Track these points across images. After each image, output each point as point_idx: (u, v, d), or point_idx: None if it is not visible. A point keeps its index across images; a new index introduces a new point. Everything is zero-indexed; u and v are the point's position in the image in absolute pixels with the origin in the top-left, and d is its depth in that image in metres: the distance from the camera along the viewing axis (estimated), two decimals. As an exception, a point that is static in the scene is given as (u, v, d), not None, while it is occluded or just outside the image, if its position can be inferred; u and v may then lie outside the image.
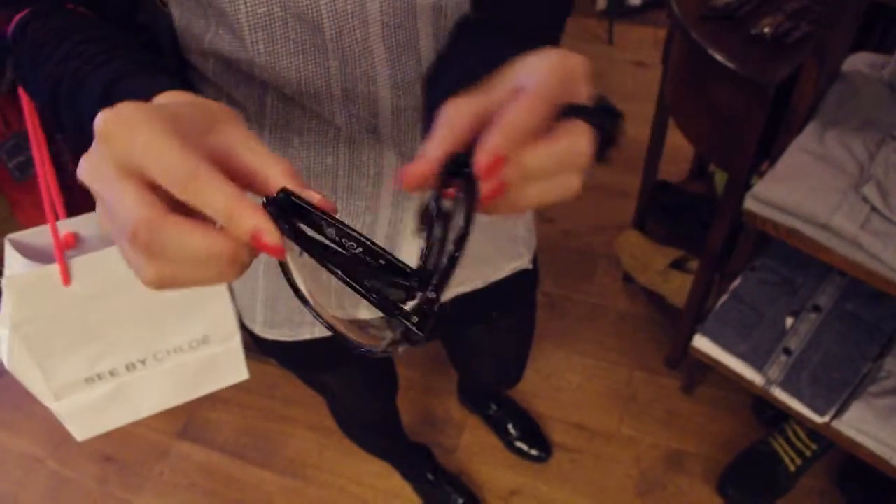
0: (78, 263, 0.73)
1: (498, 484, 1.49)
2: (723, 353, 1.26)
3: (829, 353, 1.21)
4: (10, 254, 0.74)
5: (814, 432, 1.31)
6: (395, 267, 0.29)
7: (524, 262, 0.84)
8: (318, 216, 0.29)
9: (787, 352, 1.23)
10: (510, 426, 1.52)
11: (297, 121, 0.55)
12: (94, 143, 0.28)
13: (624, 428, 1.54)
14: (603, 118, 0.33)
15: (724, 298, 1.31)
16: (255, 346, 0.82)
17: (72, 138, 0.41)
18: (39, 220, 0.75)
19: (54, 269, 0.72)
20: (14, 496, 1.60)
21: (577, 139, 0.32)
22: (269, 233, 0.27)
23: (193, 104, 0.31)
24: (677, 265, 1.62)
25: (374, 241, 0.31)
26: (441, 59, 0.45)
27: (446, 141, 0.32)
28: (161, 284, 0.28)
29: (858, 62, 1.15)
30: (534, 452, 1.50)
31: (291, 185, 0.29)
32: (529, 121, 0.31)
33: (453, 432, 1.58)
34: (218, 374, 0.88)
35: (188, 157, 0.27)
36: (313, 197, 0.29)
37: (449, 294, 0.78)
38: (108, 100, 0.36)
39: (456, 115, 0.33)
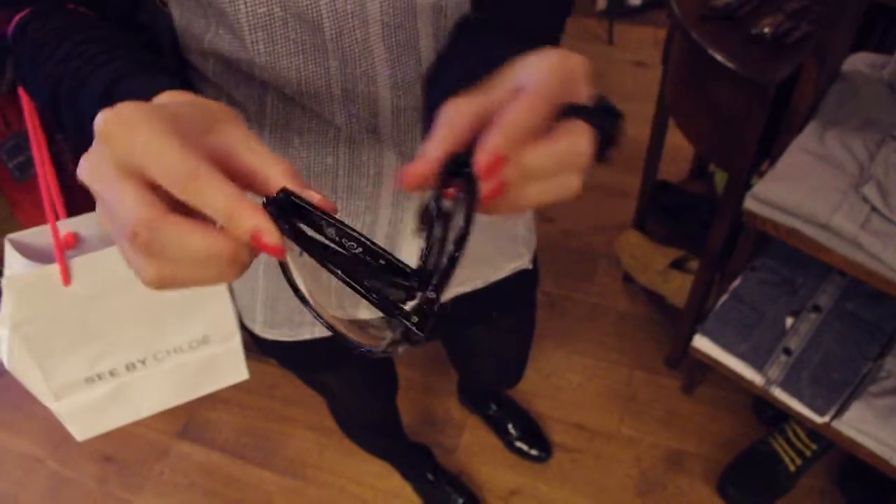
0: (78, 263, 0.73)
1: (498, 484, 1.49)
2: (723, 353, 1.26)
3: (829, 352, 1.21)
4: (10, 254, 0.74)
5: (814, 432, 1.31)
6: (395, 267, 0.29)
7: (524, 262, 0.84)
8: (317, 216, 0.29)
9: (788, 352, 1.23)
10: (510, 426, 1.52)
11: (297, 121, 0.55)
12: (94, 143, 0.28)
13: (624, 428, 1.54)
14: (603, 118, 0.33)
15: (724, 298, 1.31)
16: (255, 346, 0.82)
17: (72, 138, 0.41)
18: (39, 220, 0.75)
19: (54, 269, 0.72)
20: (14, 496, 1.60)
21: (578, 139, 0.32)
22: (269, 233, 0.27)
23: (193, 104, 0.31)
24: (677, 265, 1.62)
25: (375, 241, 0.31)
26: (441, 59, 0.45)
27: (446, 141, 0.32)
28: (161, 284, 0.28)
29: (858, 62, 1.15)
30: (534, 452, 1.50)
31: (292, 185, 0.29)
32: (529, 121, 0.31)
33: (453, 432, 1.58)
34: (218, 374, 0.88)
35: (188, 156, 0.27)
36: (313, 197, 0.29)
37: (449, 294, 0.78)
38: (109, 100, 0.36)
39: (456, 115, 0.33)
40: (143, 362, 0.82)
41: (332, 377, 0.93)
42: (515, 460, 1.51)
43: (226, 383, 0.90)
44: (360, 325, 0.33)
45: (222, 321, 0.83)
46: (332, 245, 0.29)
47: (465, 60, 0.44)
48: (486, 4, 0.52)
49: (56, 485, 1.60)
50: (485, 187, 0.30)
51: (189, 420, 1.67)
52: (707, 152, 1.36)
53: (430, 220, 0.31)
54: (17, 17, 0.47)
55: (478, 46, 0.45)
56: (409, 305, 0.28)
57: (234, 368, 0.89)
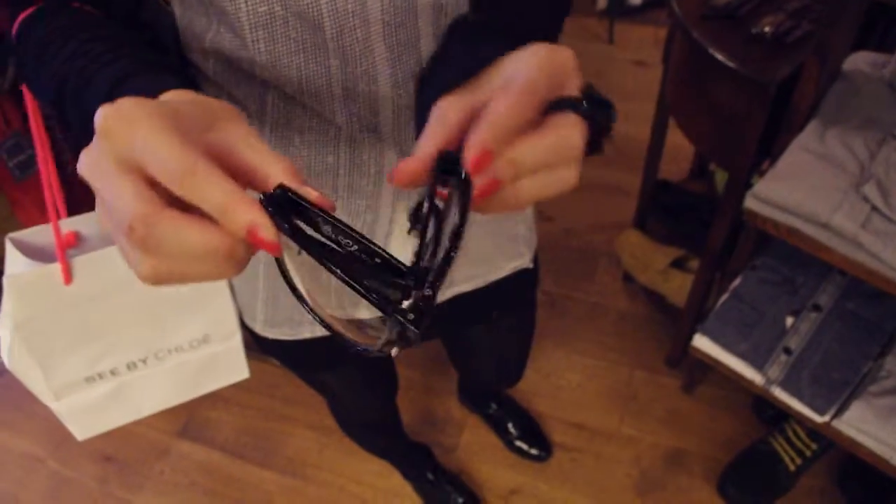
0: (79, 262, 0.73)
1: (498, 483, 1.49)
2: (723, 353, 1.26)
3: (829, 352, 1.21)
4: (11, 253, 0.74)
5: (814, 432, 1.31)
6: (391, 265, 0.29)
7: (525, 262, 0.84)
8: (314, 213, 0.29)
9: (788, 351, 1.23)
10: (510, 425, 1.52)
11: (297, 120, 0.55)
12: (95, 138, 0.28)
13: (624, 427, 1.54)
14: (594, 109, 0.33)
15: (724, 298, 1.31)
16: (256, 345, 0.82)
17: (77, 137, 0.41)
18: (40, 219, 0.75)
19: (55, 268, 0.72)
20: (15, 496, 1.60)
21: (568, 131, 0.32)
22: (265, 228, 0.27)
23: (196, 102, 0.31)
24: (678, 264, 1.62)
25: (373, 239, 0.31)
26: (434, 58, 0.45)
27: (437, 137, 0.32)
28: (157, 279, 0.28)
29: (859, 61, 1.15)
30: (534, 452, 1.50)
31: (292, 183, 0.29)
32: (515, 114, 0.31)
33: (453, 431, 1.58)
34: (219, 373, 0.88)
35: (187, 152, 0.27)
36: (311, 194, 0.29)
37: (449, 293, 0.78)
38: (114, 99, 0.36)
39: (447, 112, 0.33)
40: (143, 361, 0.82)
41: (333, 376, 0.93)
42: (515, 460, 1.51)
43: (226, 382, 0.90)
44: (358, 324, 0.33)
45: (223, 320, 0.83)
46: (329, 242, 0.29)
47: (458, 60, 0.44)
48: (485, 4, 0.52)
49: (56, 484, 1.60)
50: (478, 183, 0.30)
51: (189, 419, 1.67)
52: (707, 151, 1.36)
53: (425, 218, 0.31)
54: (21, 16, 0.47)
55: (472, 46, 0.45)
56: (405, 304, 0.28)
57: (234, 367, 0.89)
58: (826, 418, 1.16)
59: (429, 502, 1.47)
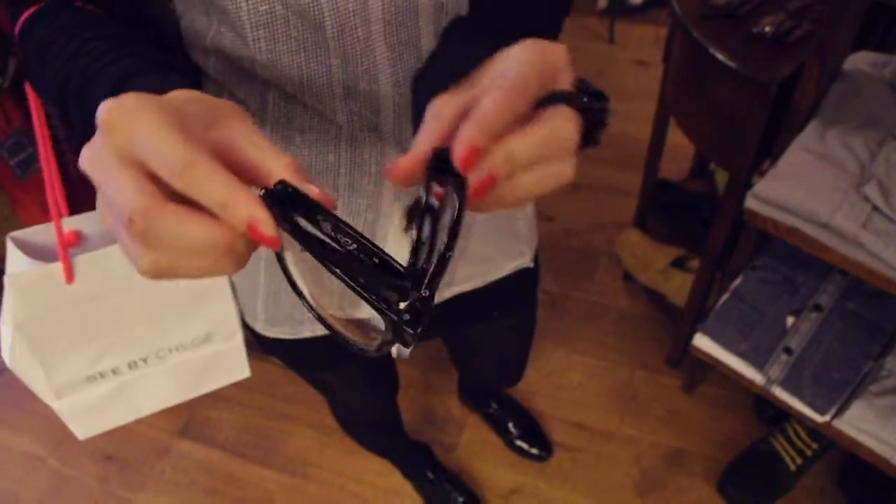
0: (81, 261, 0.73)
1: (498, 482, 1.49)
2: (723, 352, 1.26)
3: (829, 352, 1.21)
4: (13, 252, 0.74)
5: (814, 431, 1.31)
6: (389, 266, 0.29)
7: (525, 261, 0.84)
8: (314, 209, 0.29)
9: (788, 351, 1.23)
10: (510, 425, 1.52)
11: (298, 119, 0.55)
12: (97, 132, 0.28)
13: (624, 427, 1.54)
14: (587, 102, 0.33)
15: (724, 297, 1.31)
16: (257, 344, 0.82)
17: (80, 136, 0.41)
18: (41, 218, 0.75)
19: (57, 267, 0.72)
20: (15, 495, 1.60)
21: (562, 123, 0.32)
22: (265, 223, 0.27)
23: (199, 100, 0.31)
24: (678, 264, 1.62)
25: (373, 238, 0.30)
26: (433, 57, 0.45)
27: (432, 135, 0.32)
28: (157, 274, 0.28)
29: (860, 61, 1.15)
30: (534, 451, 1.50)
31: (293, 180, 0.29)
32: (504, 109, 0.31)
33: (454, 431, 1.58)
34: (220, 372, 0.88)
35: (187, 147, 0.27)
36: (312, 190, 0.29)
37: (450, 292, 0.78)
38: None
39: (442, 110, 0.33)
40: (145, 360, 0.82)
41: (333, 375, 0.93)
42: (516, 459, 1.52)
43: (227, 381, 0.90)
44: (358, 324, 0.33)
45: (225, 319, 0.83)
46: (328, 241, 0.29)
47: (455, 59, 0.44)
48: (484, 4, 0.52)
49: (57, 483, 1.60)
50: (473, 181, 0.30)
51: (190, 418, 1.67)
52: (708, 151, 1.36)
53: (421, 217, 0.31)
54: (24, 15, 0.47)
55: (469, 46, 0.45)
56: (402, 304, 0.28)
57: (236, 366, 0.89)
58: (827, 418, 1.16)
59: (429, 501, 1.47)
